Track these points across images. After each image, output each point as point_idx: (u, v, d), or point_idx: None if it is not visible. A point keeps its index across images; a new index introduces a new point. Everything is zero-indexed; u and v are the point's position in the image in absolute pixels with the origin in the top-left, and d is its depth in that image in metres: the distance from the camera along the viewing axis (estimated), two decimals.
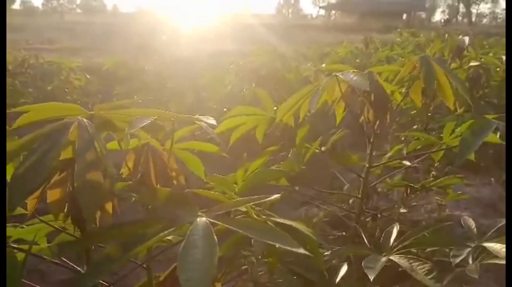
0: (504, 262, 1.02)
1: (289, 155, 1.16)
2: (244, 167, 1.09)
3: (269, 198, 0.59)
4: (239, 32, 14.44)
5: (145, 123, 0.70)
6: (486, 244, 1.02)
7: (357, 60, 4.72)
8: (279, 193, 1.46)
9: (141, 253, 0.67)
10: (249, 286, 1.29)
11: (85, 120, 0.61)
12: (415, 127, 2.65)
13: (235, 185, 1.09)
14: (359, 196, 1.37)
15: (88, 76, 3.78)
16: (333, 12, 45.68)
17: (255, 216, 0.67)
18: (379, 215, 1.61)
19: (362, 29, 16.34)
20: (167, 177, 0.96)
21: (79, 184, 0.52)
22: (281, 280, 0.96)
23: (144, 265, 0.74)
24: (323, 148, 1.52)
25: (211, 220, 0.49)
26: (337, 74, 1.04)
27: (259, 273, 1.13)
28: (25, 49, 7.25)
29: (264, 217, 0.70)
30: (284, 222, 0.66)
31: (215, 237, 0.43)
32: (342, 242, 1.44)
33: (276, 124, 1.30)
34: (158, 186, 0.97)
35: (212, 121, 0.73)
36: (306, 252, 0.43)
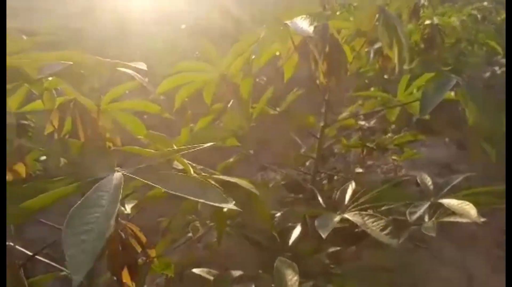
0: (460, 219, 1.00)
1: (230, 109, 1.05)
2: (188, 126, 0.99)
3: (198, 148, 0.50)
4: None
5: (57, 69, 0.59)
6: (443, 200, 0.98)
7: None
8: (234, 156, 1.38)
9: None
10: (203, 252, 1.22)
11: None
12: (372, 89, 2.63)
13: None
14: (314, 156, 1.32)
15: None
16: None
17: (193, 173, 0.59)
18: (335, 177, 1.57)
19: None
20: (98, 137, 0.85)
21: None
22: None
23: None
24: (278, 109, 1.45)
25: (129, 175, 0.41)
26: (287, 22, 0.94)
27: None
28: None
29: (205, 174, 0.62)
30: (225, 178, 0.58)
31: (120, 194, 0.34)
32: (298, 205, 1.39)
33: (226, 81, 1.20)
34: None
35: (142, 66, 0.63)
36: (236, 207, 0.36)
